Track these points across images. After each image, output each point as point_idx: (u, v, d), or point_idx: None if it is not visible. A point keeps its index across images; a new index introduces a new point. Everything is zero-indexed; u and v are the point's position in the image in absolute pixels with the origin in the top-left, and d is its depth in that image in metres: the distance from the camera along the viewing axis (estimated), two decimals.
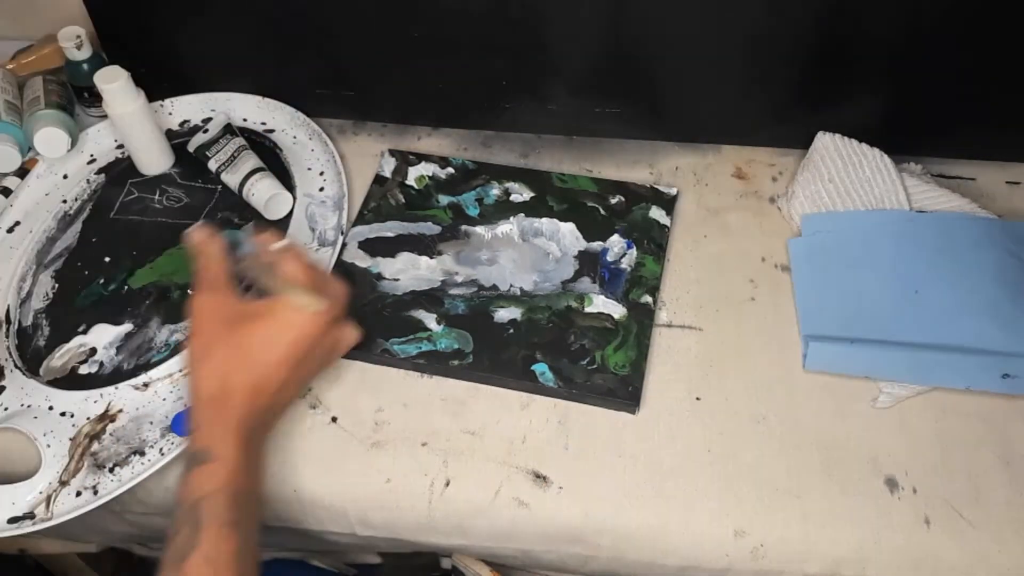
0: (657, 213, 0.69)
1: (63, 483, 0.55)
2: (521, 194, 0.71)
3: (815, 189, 0.69)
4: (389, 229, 0.69)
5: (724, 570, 0.55)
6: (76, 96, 0.79)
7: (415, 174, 0.73)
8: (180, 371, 0.60)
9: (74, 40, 0.74)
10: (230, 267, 0.55)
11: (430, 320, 0.63)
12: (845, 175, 0.68)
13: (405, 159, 0.74)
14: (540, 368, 0.60)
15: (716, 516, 0.55)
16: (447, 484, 0.57)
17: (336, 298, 0.54)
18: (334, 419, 0.60)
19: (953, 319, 0.61)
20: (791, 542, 0.54)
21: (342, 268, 0.66)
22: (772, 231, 0.70)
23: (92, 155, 0.77)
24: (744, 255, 0.68)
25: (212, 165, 0.71)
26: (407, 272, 0.66)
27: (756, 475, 0.56)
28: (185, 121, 0.78)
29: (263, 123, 0.78)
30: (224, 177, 0.71)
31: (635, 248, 0.67)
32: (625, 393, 0.59)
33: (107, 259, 0.68)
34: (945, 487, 0.55)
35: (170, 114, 0.79)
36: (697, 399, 0.60)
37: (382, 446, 0.58)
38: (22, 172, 0.75)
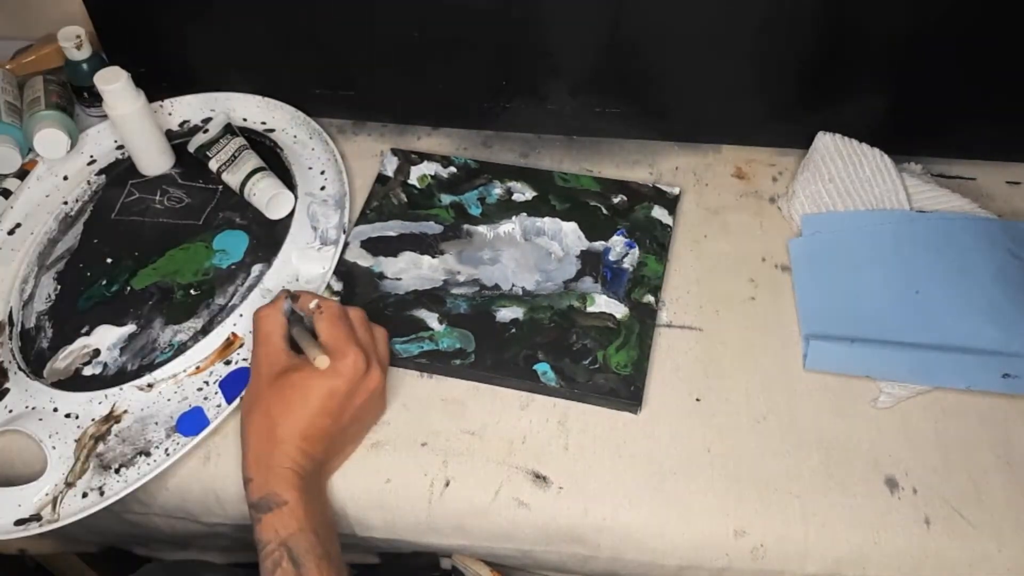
0: (659, 213, 0.70)
1: (69, 485, 0.56)
2: (523, 193, 0.71)
3: (815, 189, 0.69)
4: (391, 228, 0.70)
5: (724, 570, 0.55)
6: (76, 96, 0.79)
7: (417, 173, 0.73)
8: (184, 371, 0.61)
9: (74, 40, 0.74)
10: (287, 324, 0.57)
11: (432, 319, 0.63)
12: (845, 175, 0.69)
13: (407, 158, 0.75)
14: (542, 368, 0.60)
15: (716, 516, 0.55)
16: (447, 484, 0.57)
17: (361, 349, 0.54)
18: None
19: (953, 319, 0.61)
20: (791, 542, 0.54)
21: (344, 267, 0.67)
22: (772, 231, 0.70)
23: (92, 156, 0.77)
24: (744, 255, 0.68)
25: (213, 165, 0.71)
26: (409, 271, 0.66)
27: (756, 475, 0.56)
28: (185, 121, 0.78)
29: (263, 123, 0.78)
30: (225, 177, 0.71)
31: (637, 248, 0.67)
32: (627, 393, 0.59)
33: (109, 260, 0.68)
34: (945, 487, 0.55)
35: (170, 114, 0.79)
36: (697, 399, 0.60)
37: (382, 446, 0.58)
38: (22, 174, 0.75)
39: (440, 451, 0.58)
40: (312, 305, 0.56)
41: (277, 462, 0.51)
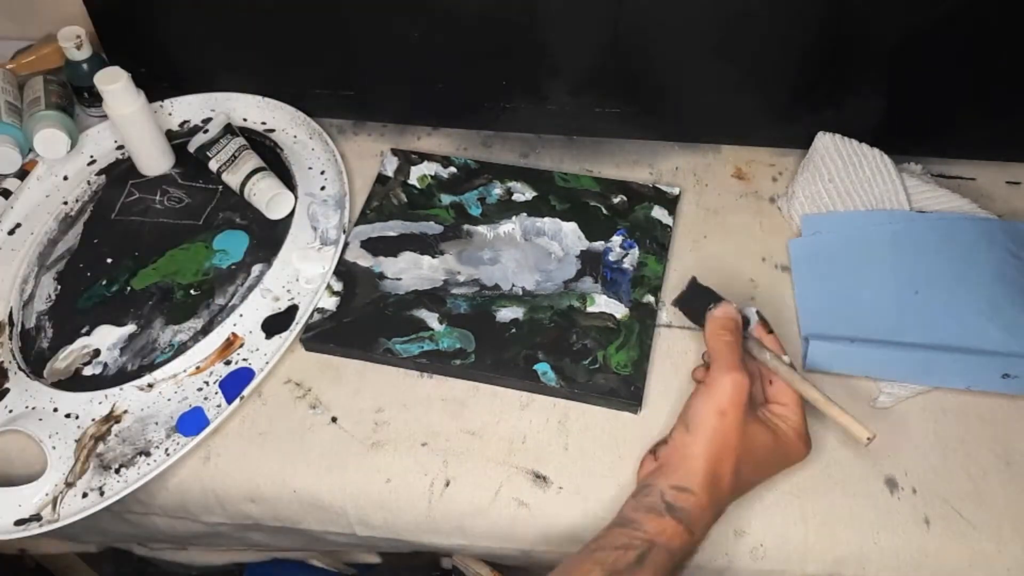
0: (659, 213, 0.70)
1: (69, 484, 0.56)
2: (523, 193, 0.71)
3: (815, 189, 0.69)
4: (391, 228, 0.70)
5: (724, 569, 0.55)
6: (76, 96, 0.79)
7: (417, 173, 0.73)
8: (184, 371, 0.61)
9: (74, 40, 0.74)
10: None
11: (432, 319, 0.63)
12: (845, 175, 0.69)
13: (407, 158, 0.75)
14: (542, 368, 0.60)
15: None
16: (447, 484, 0.57)
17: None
18: (334, 419, 0.60)
19: (953, 319, 0.61)
20: (791, 542, 0.54)
21: (344, 267, 0.67)
22: (772, 231, 0.70)
23: (92, 156, 0.77)
24: (744, 255, 0.68)
25: (213, 165, 0.71)
26: (409, 271, 0.67)
27: None
28: (185, 121, 0.79)
29: (263, 123, 0.78)
30: (225, 177, 0.71)
31: (637, 248, 0.67)
32: (627, 393, 0.59)
33: (109, 260, 0.68)
34: (945, 487, 0.55)
35: (170, 114, 0.79)
36: None
37: (382, 446, 0.58)
38: (22, 174, 0.75)
39: (440, 451, 0.58)
40: (787, 360, 0.55)
41: (717, 499, 0.50)
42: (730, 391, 0.51)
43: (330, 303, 0.64)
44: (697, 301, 0.58)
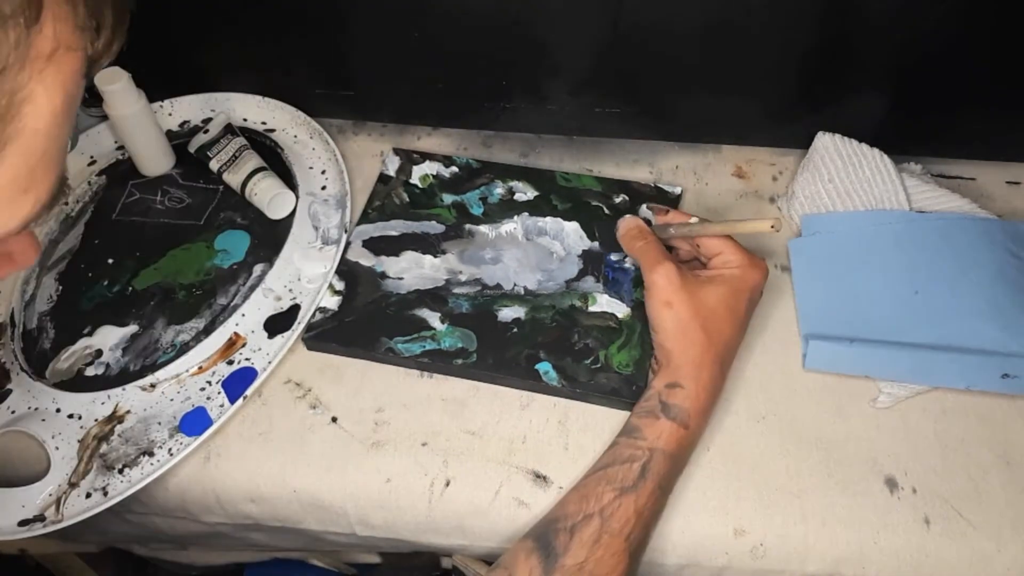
0: None
1: (72, 485, 0.56)
2: (525, 193, 0.71)
3: (815, 189, 0.69)
4: (393, 228, 0.70)
5: (724, 569, 0.56)
6: None
7: (419, 173, 0.73)
8: (187, 371, 0.61)
9: None
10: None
11: (434, 319, 0.63)
12: (845, 175, 0.69)
13: (409, 158, 0.75)
14: (544, 367, 0.60)
15: (716, 515, 0.55)
16: (447, 484, 0.57)
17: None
18: (334, 419, 0.60)
19: (953, 319, 0.61)
20: (791, 541, 0.54)
21: (346, 267, 0.67)
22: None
23: (92, 157, 0.77)
24: None
25: (214, 165, 0.71)
26: (411, 271, 0.67)
27: (756, 475, 0.56)
28: (185, 121, 0.79)
29: (263, 123, 0.78)
30: (226, 177, 0.71)
31: None
32: (629, 392, 0.59)
33: (110, 261, 0.68)
34: (945, 487, 0.56)
35: (170, 114, 0.79)
36: None
37: (382, 446, 0.59)
38: None
39: (440, 451, 0.58)
40: (696, 219, 0.59)
41: (706, 378, 0.54)
42: (663, 282, 0.56)
43: (332, 302, 0.65)
44: (610, 233, 0.65)
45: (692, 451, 0.55)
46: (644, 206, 0.64)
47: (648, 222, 0.63)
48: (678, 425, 0.52)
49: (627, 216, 0.64)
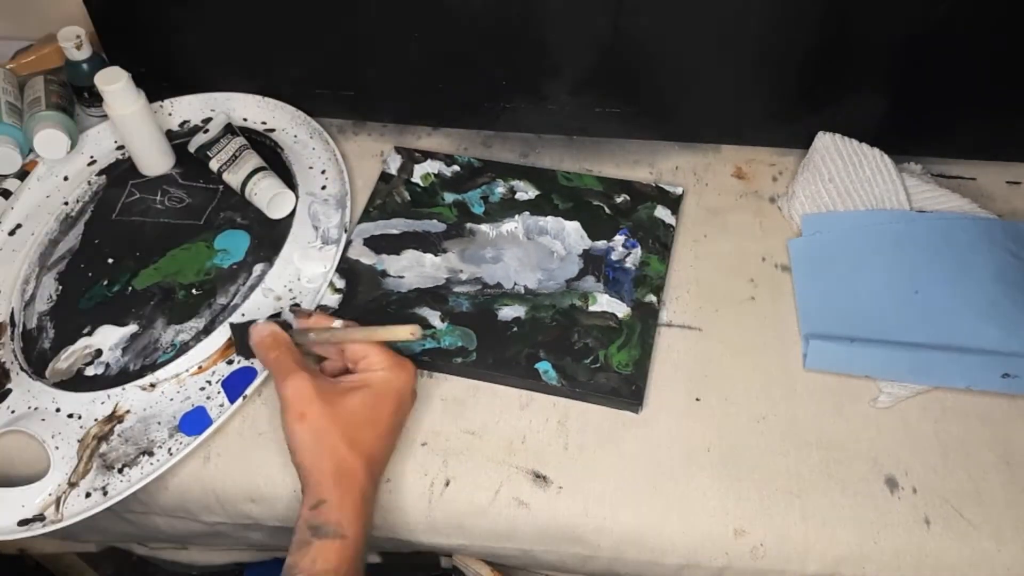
0: (662, 212, 0.70)
1: (72, 485, 0.56)
2: (526, 192, 0.71)
3: (815, 189, 0.69)
4: (394, 226, 0.70)
5: (724, 569, 0.56)
6: (76, 96, 0.79)
7: (421, 172, 0.74)
8: (187, 371, 0.61)
9: (74, 40, 0.74)
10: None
11: (434, 318, 0.63)
12: (845, 175, 0.69)
13: (411, 156, 0.75)
14: (543, 366, 0.60)
15: (716, 515, 0.55)
16: (447, 484, 0.57)
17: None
18: None
19: (953, 319, 0.62)
20: (791, 542, 0.54)
21: (347, 265, 0.67)
22: (772, 231, 0.70)
23: (92, 156, 0.77)
24: (744, 255, 0.69)
25: (214, 165, 0.71)
26: (412, 269, 0.67)
27: (756, 475, 0.56)
28: (185, 121, 0.79)
29: (263, 122, 0.78)
30: (226, 177, 0.71)
31: (639, 247, 0.67)
32: (628, 392, 0.59)
33: (110, 260, 0.68)
34: (945, 487, 0.56)
35: (170, 114, 0.79)
36: (697, 399, 0.60)
37: None
38: (22, 174, 0.75)
39: (440, 451, 0.58)
40: (340, 323, 0.56)
41: (354, 485, 0.51)
42: (294, 396, 0.52)
43: (332, 300, 0.65)
44: (243, 340, 0.59)
45: (365, 554, 0.51)
46: (288, 308, 0.60)
47: (285, 324, 0.59)
48: (331, 539, 0.48)
49: (260, 323, 0.58)
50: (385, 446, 0.54)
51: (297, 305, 0.60)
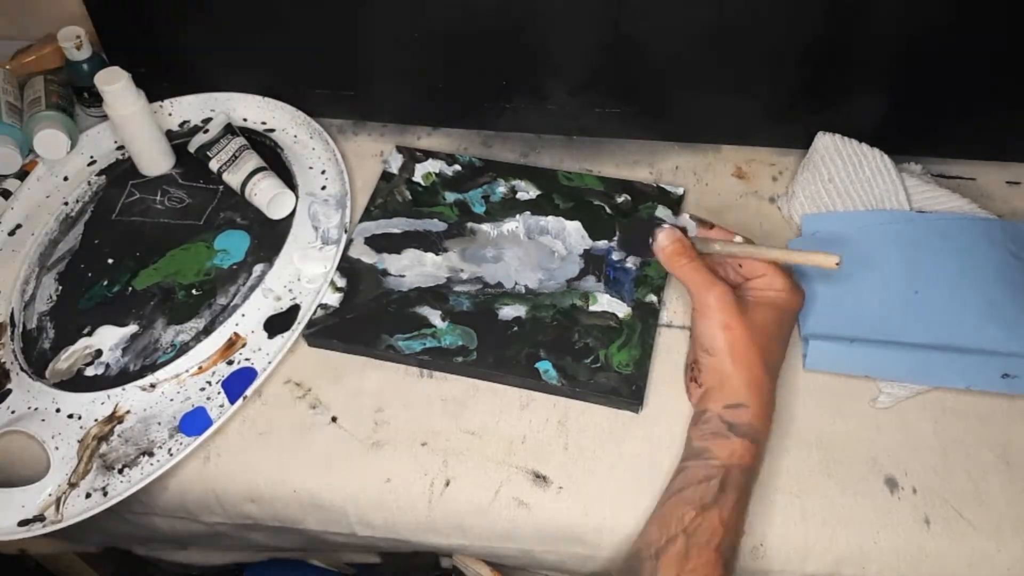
0: (663, 212, 0.70)
1: (72, 485, 0.56)
2: (527, 192, 0.71)
3: (815, 189, 0.69)
4: (395, 225, 0.70)
5: None
6: (76, 96, 0.79)
7: (422, 171, 0.74)
8: (187, 371, 0.61)
9: (74, 40, 0.74)
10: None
11: (435, 317, 0.63)
12: (845, 175, 0.69)
13: (412, 155, 0.75)
14: (544, 366, 0.60)
15: None
16: (447, 484, 0.57)
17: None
18: (334, 419, 0.60)
19: (953, 319, 0.61)
20: (791, 542, 0.54)
21: (348, 264, 0.67)
22: (772, 231, 0.70)
23: (92, 156, 0.77)
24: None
25: (214, 165, 0.71)
26: (413, 268, 0.67)
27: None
28: (185, 121, 0.79)
29: (263, 123, 0.78)
30: (226, 177, 0.71)
31: None
32: (628, 392, 0.59)
33: (110, 261, 0.68)
34: (945, 487, 0.56)
35: (170, 114, 0.79)
36: None
37: (382, 446, 0.59)
38: (22, 174, 0.75)
39: (440, 451, 0.58)
40: (740, 239, 0.58)
41: (765, 397, 0.54)
42: (719, 305, 0.55)
43: (333, 299, 0.65)
44: (637, 237, 0.60)
45: (760, 468, 0.55)
46: (686, 215, 0.59)
47: (683, 230, 0.59)
48: (749, 442, 0.52)
49: (665, 228, 0.58)
50: (780, 363, 0.58)
51: (691, 217, 0.60)
